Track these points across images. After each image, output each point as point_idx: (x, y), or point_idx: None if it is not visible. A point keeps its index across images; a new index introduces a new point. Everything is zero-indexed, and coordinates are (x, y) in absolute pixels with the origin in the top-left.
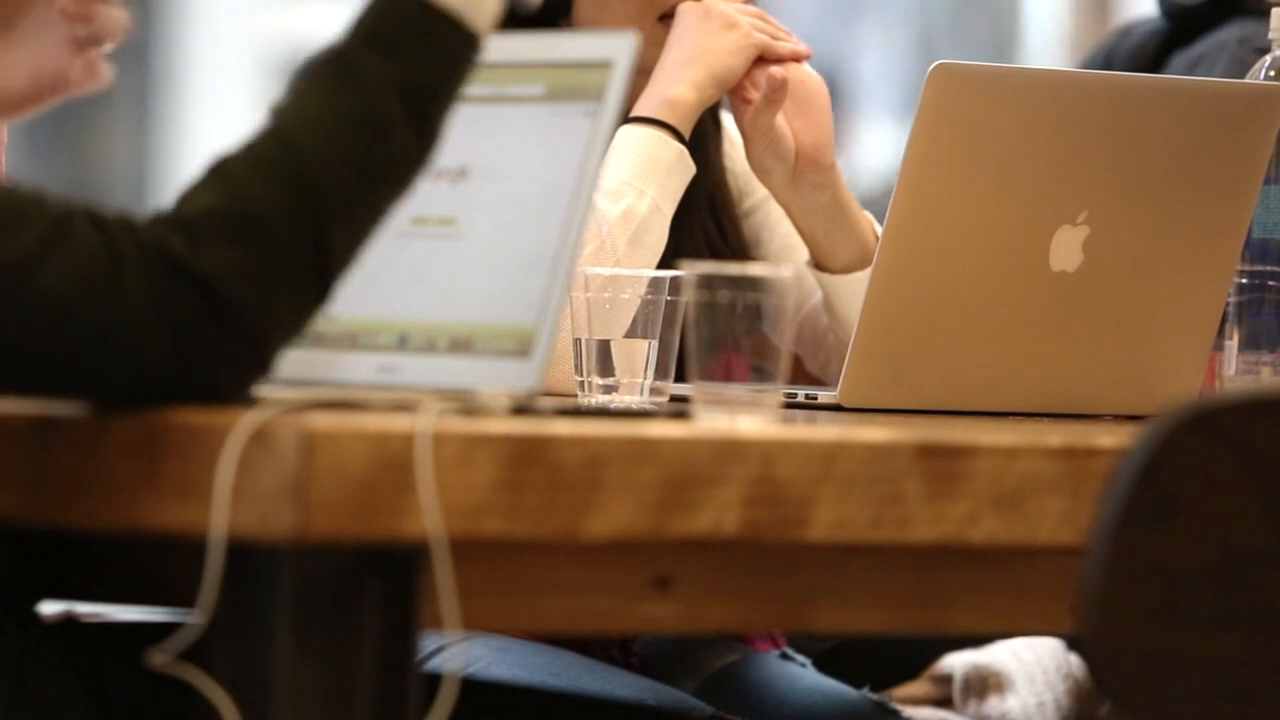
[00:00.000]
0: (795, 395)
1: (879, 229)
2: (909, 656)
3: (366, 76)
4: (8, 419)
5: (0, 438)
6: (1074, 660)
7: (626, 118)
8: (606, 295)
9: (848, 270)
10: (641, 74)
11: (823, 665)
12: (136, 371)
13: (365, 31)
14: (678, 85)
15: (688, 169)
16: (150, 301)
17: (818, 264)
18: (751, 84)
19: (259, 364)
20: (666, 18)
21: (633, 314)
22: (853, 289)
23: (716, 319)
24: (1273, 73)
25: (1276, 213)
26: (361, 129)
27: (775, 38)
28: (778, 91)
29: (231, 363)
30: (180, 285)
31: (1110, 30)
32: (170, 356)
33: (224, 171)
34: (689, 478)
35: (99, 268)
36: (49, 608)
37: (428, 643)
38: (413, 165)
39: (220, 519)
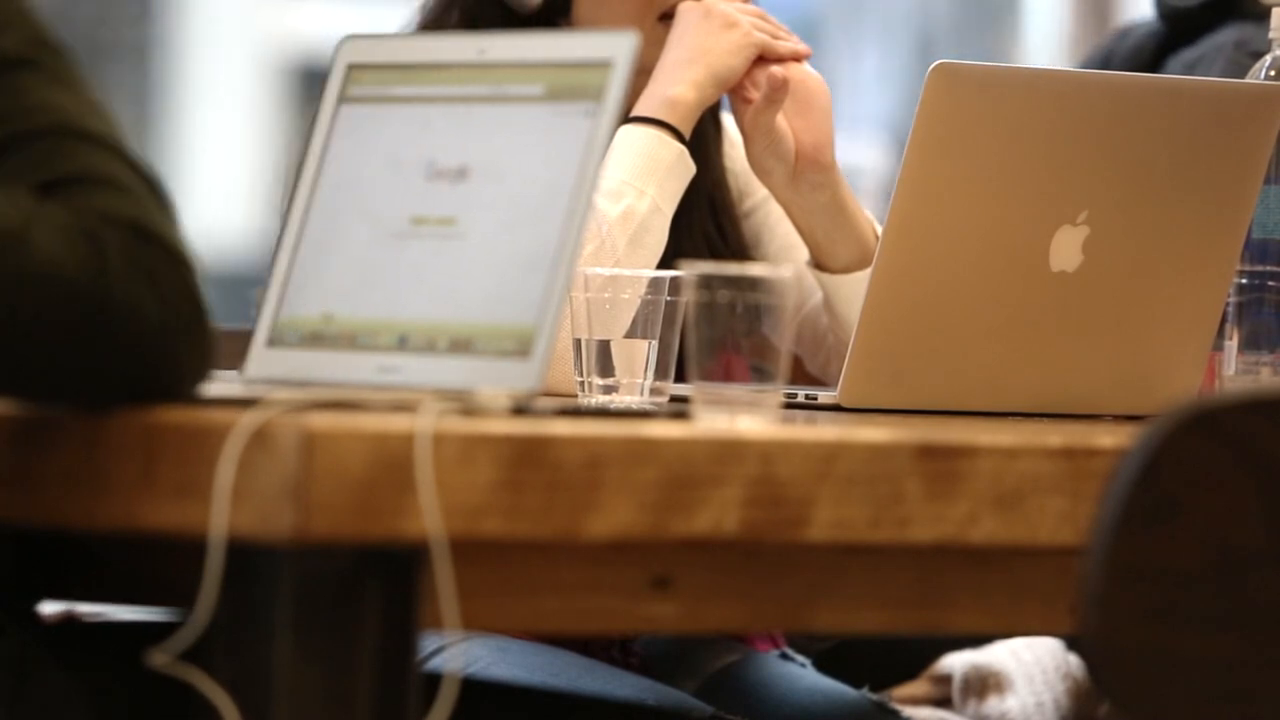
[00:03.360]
0: (795, 395)
1: (879, 229)
2: (909, 656)
3: None
4: (5, 419)
5: None
6: (1073, 660)
7: (626, 117)
8: (606, 295)
9: (848, 270)
10: (641, 74)
11: (823, 665)
12: (146, 344)
13: None
14: (678, 85)
15: (688, 169)
16: (140, 271)
17: (818, 264)
18: (752, 84)
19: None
20: (666, 17)
21: (633, 314)
22: (853, 289)
23: (716, 319)
24: (1273, 73)
25: (1276, 213)
26: None
27: (775, 37)
28: (778, 91)
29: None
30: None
31: (1109, 32)
32: (164, 318)
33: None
34: (689, 478)
35: (81, 243)
36: (49, 608)
37: (428, 643)
38: None
39: (220, 519)
